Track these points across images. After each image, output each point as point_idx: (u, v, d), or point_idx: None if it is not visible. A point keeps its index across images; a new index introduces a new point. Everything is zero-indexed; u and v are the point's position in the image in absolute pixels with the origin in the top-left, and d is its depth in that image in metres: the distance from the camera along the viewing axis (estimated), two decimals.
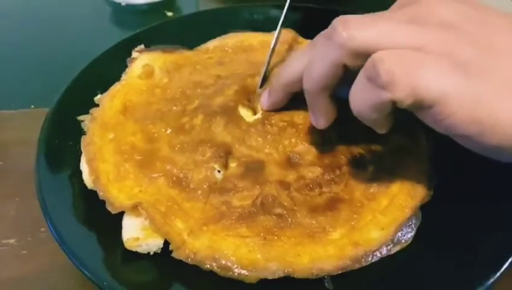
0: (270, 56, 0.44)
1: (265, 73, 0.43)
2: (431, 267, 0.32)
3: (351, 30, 0.29)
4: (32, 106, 0.55)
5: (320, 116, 0.35)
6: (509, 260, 0.31)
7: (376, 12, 0.32)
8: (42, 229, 0.41)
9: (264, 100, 0.40)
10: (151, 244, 0.33)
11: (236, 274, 0.31)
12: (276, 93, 0.39)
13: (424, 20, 0.29)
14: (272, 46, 0.44)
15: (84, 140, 0.39)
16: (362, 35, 0.29)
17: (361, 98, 0.29)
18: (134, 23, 0.72)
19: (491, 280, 0.30)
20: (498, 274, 0.30)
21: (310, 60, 0.33)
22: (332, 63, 0.31)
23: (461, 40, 0.28)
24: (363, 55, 0.29)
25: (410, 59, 0.28)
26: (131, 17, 0.74)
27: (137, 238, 0.33)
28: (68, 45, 0.65)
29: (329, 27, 0.31)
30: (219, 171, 0.37)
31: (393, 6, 0.33)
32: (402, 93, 0.27)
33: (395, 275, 0.32)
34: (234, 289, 0.31)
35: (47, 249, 0.39)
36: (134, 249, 0.33)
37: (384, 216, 0.34)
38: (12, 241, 0.41)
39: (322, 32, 0.33)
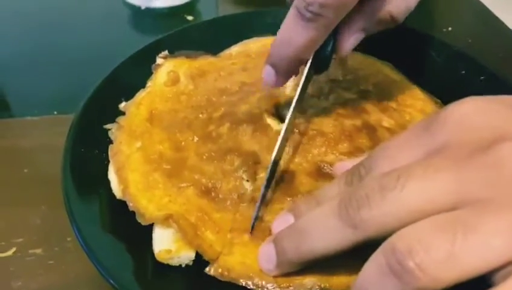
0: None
1: None
2: None
3: (430, 267, 0.21)
4: (56, 112, 0.55)
5: None
6: None
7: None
8: (68, 239, 0.41)
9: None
10: (183, 257, 0.32)
11: None
12: None
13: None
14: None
15: (112, 149, 0.39)
16: (451, 274, 0.21)
17: None
18: (154, 27, 0.73)
19: None
20: None
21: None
22: None
23: None
24: None
25: None
26: (151, 21, 0.74)
27: (170, 251, 0.32)
28: (88, 50, 0.64)
29: (390, 255, 0.22)
30: (248, 181, 0.36)
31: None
32: None
33: None
34: None
35: (74, 260, 0.39)
36: (166, 262, 0.32)
37: None
38: (39, 251, 0.41)
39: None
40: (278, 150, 0.35)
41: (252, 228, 0.33)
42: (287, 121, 0.36)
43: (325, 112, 0.40)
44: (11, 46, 0.67)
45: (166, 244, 0.32)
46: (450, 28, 0.69)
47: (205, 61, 0.48)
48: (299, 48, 0.34)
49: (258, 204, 0.34)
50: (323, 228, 0.27)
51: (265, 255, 0.31)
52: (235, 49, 0.51)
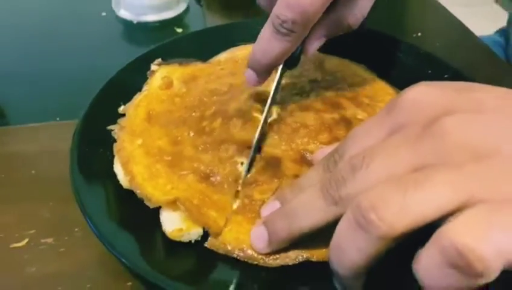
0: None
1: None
2: None
3: (388, 218, 0.25)
4: (58, 119, 0.59)
5: None
6: None
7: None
8: (76, 229, 0.45)
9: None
10: (193, 233, 0.36)
11: (261, 262, 0.35)
12: None
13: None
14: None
15: (116, 147, 0.43)
16: (405, 221, 0.25)
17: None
18: (147, 39, 0.78)
19: None
20: None
21: (338, 246, 0.28)
22: (373, 254, 0.26)
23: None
24: None
25: None
26: (144, 33, 0.79)
27: (181, 229, 0.36)
28: (85, 62, 0.69)
29: (357, 211, 0.26)
30: (242, 164, 0.40)
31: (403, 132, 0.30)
32: None
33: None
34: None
35: (83, 246, 0.43)
36: (178, 239, 0.36)
37: None
38: (50, 240, 0.45)
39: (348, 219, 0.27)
40: (259, 131, 0.41)
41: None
42: (267, 104, 0.43)
43: (307, 107, 0.45)
44: (14, 59, 0.72)
45: (178, 224, 0.37)
46: (419, 34, 0.74)
47: (196, 67, 0.53)
48: (274, 57, 0.40)
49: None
50: (310, 209, 0.31)
51: (258, 236, 0.35)
52: (223, 56, 0.56)
